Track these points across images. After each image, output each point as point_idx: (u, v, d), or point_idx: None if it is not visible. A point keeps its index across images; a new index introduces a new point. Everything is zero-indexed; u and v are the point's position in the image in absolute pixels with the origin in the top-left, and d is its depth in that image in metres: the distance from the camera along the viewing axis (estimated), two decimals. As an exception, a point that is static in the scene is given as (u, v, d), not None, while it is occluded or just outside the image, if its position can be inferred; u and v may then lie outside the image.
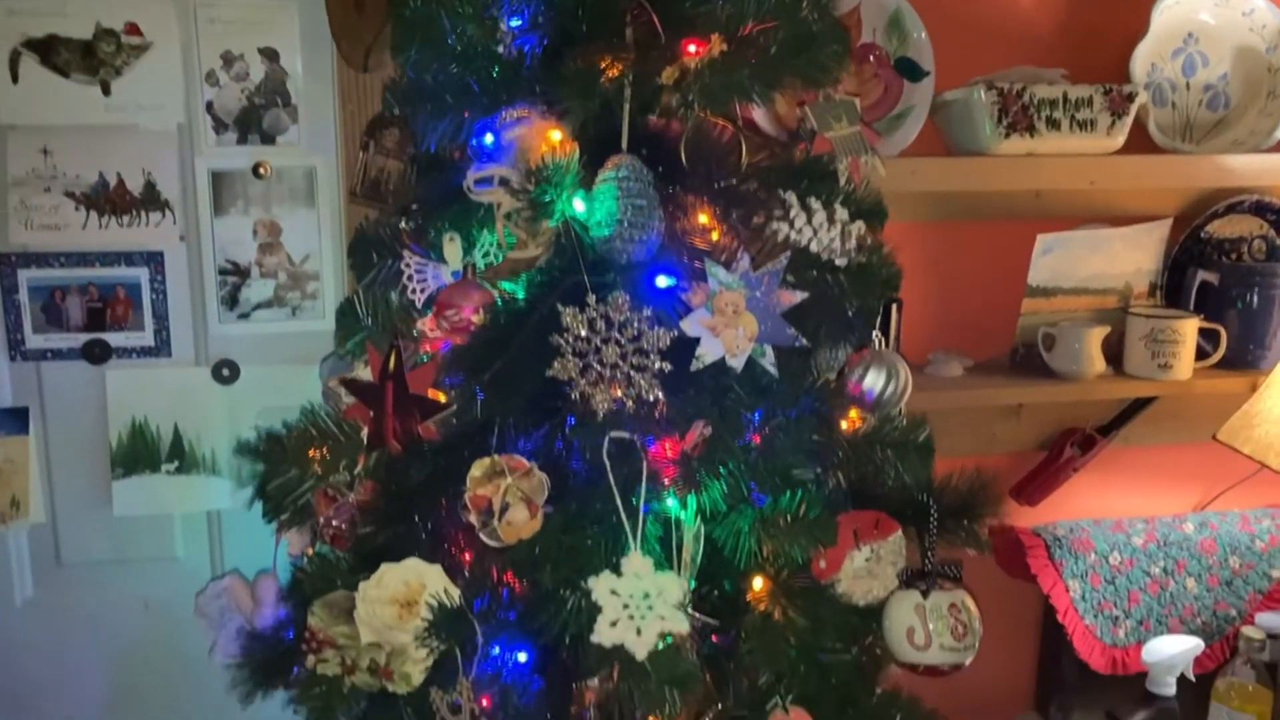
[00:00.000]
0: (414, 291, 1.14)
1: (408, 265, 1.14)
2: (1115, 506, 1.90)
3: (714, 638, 1.18)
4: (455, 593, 1.00)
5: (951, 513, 1.13)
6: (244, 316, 1.69)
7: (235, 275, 1.68)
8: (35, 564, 1.73)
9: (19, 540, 1.72)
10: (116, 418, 1.68)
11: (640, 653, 0.96)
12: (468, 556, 1.10)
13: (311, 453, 1.14)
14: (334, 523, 1.09)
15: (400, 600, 1.00)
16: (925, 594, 1.09)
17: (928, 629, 1.08)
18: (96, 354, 1.65)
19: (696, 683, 1.05)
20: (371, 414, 1.07)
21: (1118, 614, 1.78)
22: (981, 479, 1.15)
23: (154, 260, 1.66)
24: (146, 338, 1.67)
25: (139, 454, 1.69)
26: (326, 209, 1.68)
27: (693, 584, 1.07)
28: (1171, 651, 1.66)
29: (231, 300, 1.68)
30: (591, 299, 0.97)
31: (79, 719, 1.78)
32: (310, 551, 1.15)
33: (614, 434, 0.98)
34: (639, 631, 0.96)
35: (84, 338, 1.66)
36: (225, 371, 1.70)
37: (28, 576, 1.74)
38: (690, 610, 1.00)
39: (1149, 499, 1.92)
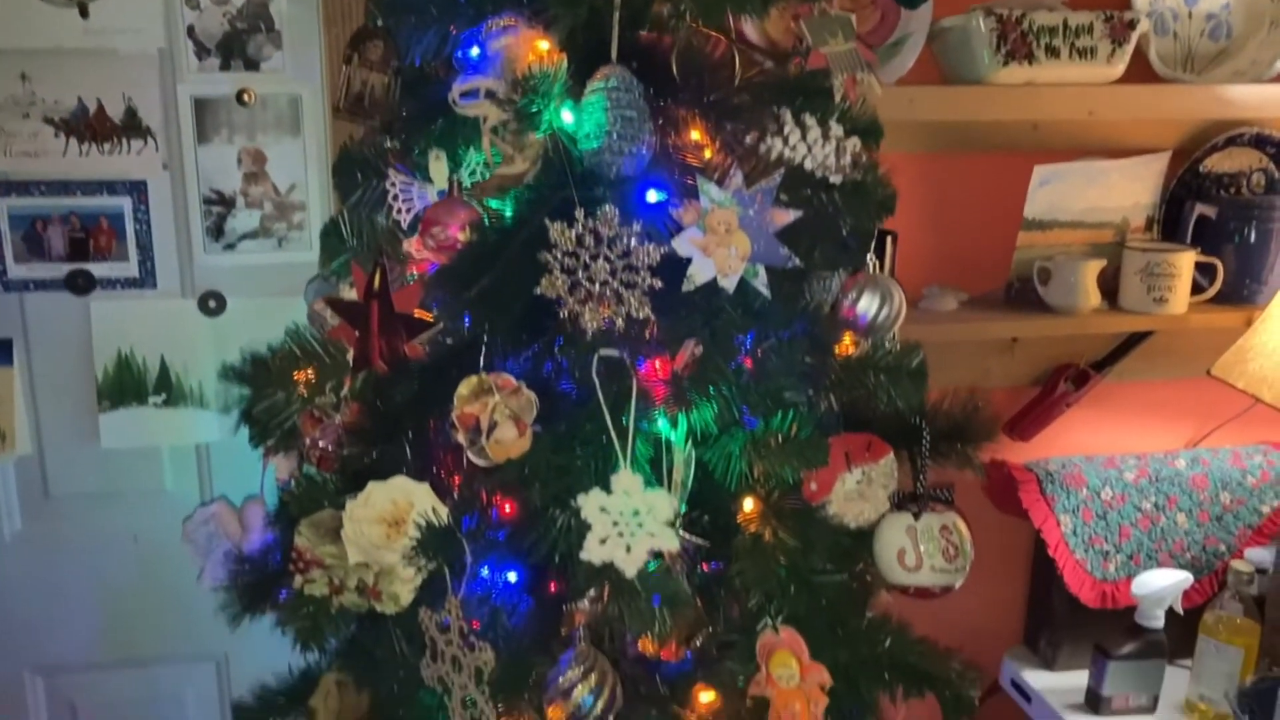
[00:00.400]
0: (399, 212, 1.12)
1: (393, 185, 1.12)
2: (1108, 443, 1.90)
3: (703, 566, 1.18)
4: (443, 511, 0.99)
5: (944, 436, 1.13)
6: (230, 248, 1.67)
7: (220, 205, 1.65)
8: (23, 497, 1.72)
9: (6, 473, 1.71)
10: (102, 350, 1.66)
11: (630, 570, 0.96)
12: (456, 480, 1.09)
13: (297, 375, 1.12)
14: (320, 444, 1.08)
15: (388, 519, 0.99)
16: (916, 516, 1.09)
17: (919, 550, 1.07)
18: (80, 285, 1.63)
19: (686, 604, 1.04)
20: (357, 334, 1.06)
21: (1108, 549, 1.78)
22: (974, 402, 1.14)
23: (137, 189, 1.63)
24: (131, 269, 1.65)
25: (125, 386, 1.68)
26: (312, 138, 1.65)
27: (683, 508, 1.06)
28: (1161, 585, 1.66)
29: (217, 231, 1.66)
30: (580, 213, 0.95)
31: (70, 651, 1.78)
32: (297, 476, 1.14)
33: (603, 352, 0.96)
34: (629, 549, 0.95)
35: (67, 268, 1.63)
36: (212, 303, 1.68)
37: (15, 509, 1.72)
38: (680, 530, 0.99)
39: (1142, 435, 1.92)
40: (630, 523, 0.95)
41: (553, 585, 1.11)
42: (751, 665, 1.12)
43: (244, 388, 1.17)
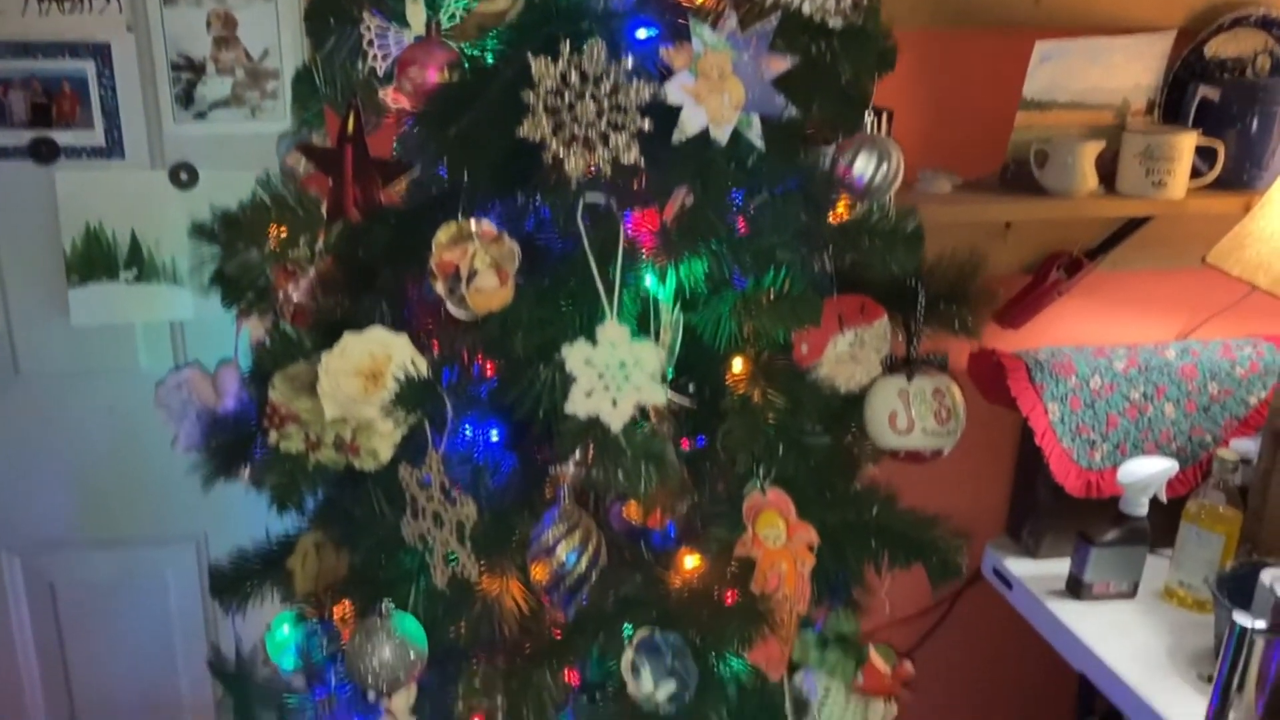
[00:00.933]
0: (375, 59, 1.06)
1: (368, 29, 1.06)
2: (1099, 334, 1.88)
3: (685, 444, 1.16)
4: (423, 363, 0.96)
5: (940, 298, 1.09)
6: (200, 116, 1.60)
7: (189, 71, 1.58)
8: (-7, 374, 1.69)
9: (-27, 349, 1.67)
10: (69, 222, 1.61)
11: (616, 424, 0.93)
12: (436, 345, 1.06)
13: (270, 230, 1.07)
14: (294, 298, 1.04)
15: (365, 372, 0.96)
16: (909, 378, 1.06)
17: (910, 413, 1.05)
18: (43, 153, 1.57)
19: (671, 464, 1.02)
20: (330, 181, 1.01)
21: (1095, 438, 1.77)
22: (973, 262, 1.10)
23: (100, 52, 1.55)
24: (96, 137, 1.58)
25: (95, 261, 1.62)
26: (285, 1, 1.57)
27: (670, 374, 1.03)
28: (1146, 472, 1.66)
29: (186, 99, 1.59)
30: (565, 47, 0.90)
31: (47, 530, 1.76)
32: (272, 335, 1.10)
33: (589, 197, 0.92)
34: (614, 403, 0.93)
35: (29, 135, 1.56)
36: (183, 175, 1.62)
37: (-15, 386, 1.69)
38: (667, 386, 0.96)
39: (1133, 327, 1.90)
40: (616, 375, 0.92)
41: (537, 450, 1.09)
42: (738, 532, 1.10)
43: (215, 245, 1.12)
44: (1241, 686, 1.40)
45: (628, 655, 1.01)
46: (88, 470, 1.74)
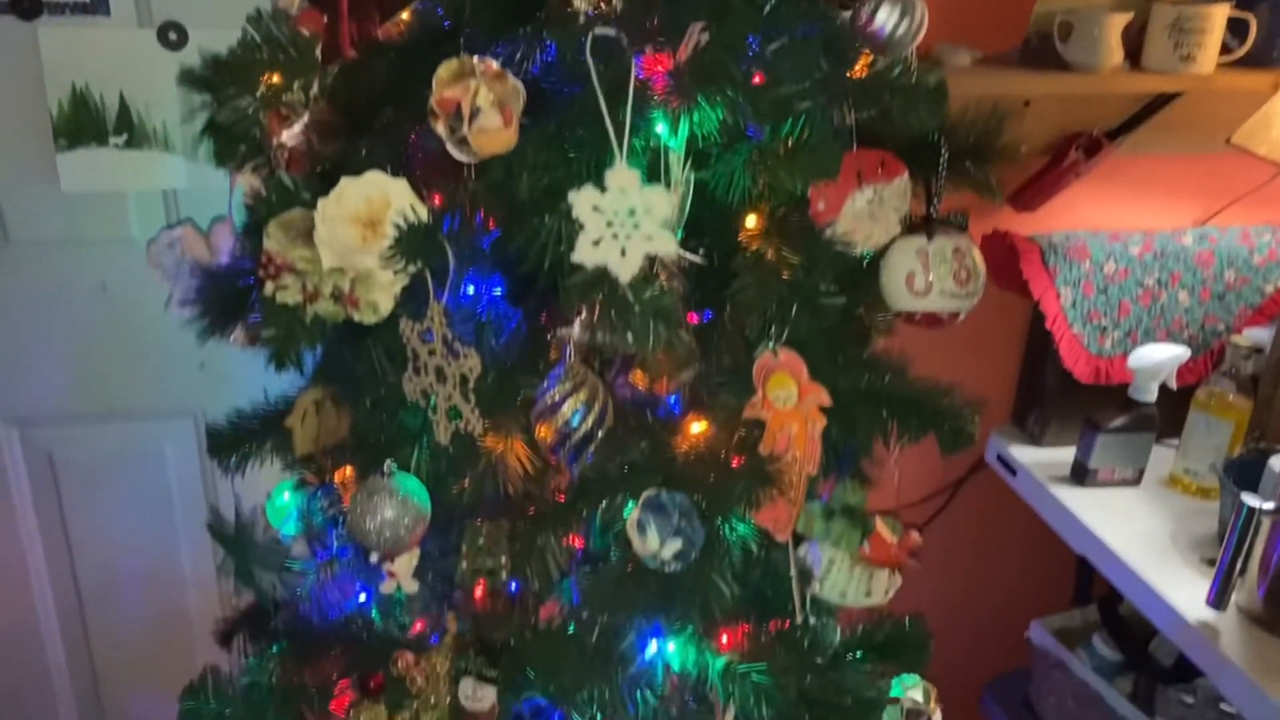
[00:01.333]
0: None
1: None
2: (1115, 220, 1.83)
3: (691, 318, 1.13)
4: (422, 209, 0.92)
5: (963, 154, 1.05)
6: (189, -29, 1.53)
7: (176, -78, 1.50)
8: (-19, 241, 1.64)
9: (-39, 216, 1.62)
10: (55, 83, 1.54)
11: (624, 276, 0.89)
12: (438, 197, 1.02)
13: (263, 76, 1.02)
14: (288, 145, 0.99)
15: (362, 219, 0.92)
16: (929, 238, 1.02)
17: (929, 274, 1.01)
18: (25, 7, 1.50)
19: (681, 324, 0.99)
20: (325, 19, 0.96)
21: (1106, 324, 1.74)
22: (999, 115, 1.05)
23: (78, -104, 1.47)
24: (79, -10, 1.51)
25: (83, 124, 1.57)
26: None
27: (680, 234, 0.99)
28: (1158, 358, 1.64)
29: (173, -48, 1.51)
30: None
31: (44, 402, 1.74)
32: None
33: (598, 31, 0.87)
34: (624, 252, 0.89)
35: (9, -13, 1.49)
36: (172, 35, 1.55)
37: (-27, 254, 1.65)
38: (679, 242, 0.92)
39: (1150, 213, 1.85)
40: (625, 223, 0.88)
41: (541, 311, 1.06)
42: (747, 397, 1.08)
43: (205, 92, 1.07)
44: (1244, 570, 1.40)
45: (634, 514, 1.00)
46: (83, 344, 1.71)
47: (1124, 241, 1.74)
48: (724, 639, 1.10)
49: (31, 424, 1.76)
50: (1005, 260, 1.75)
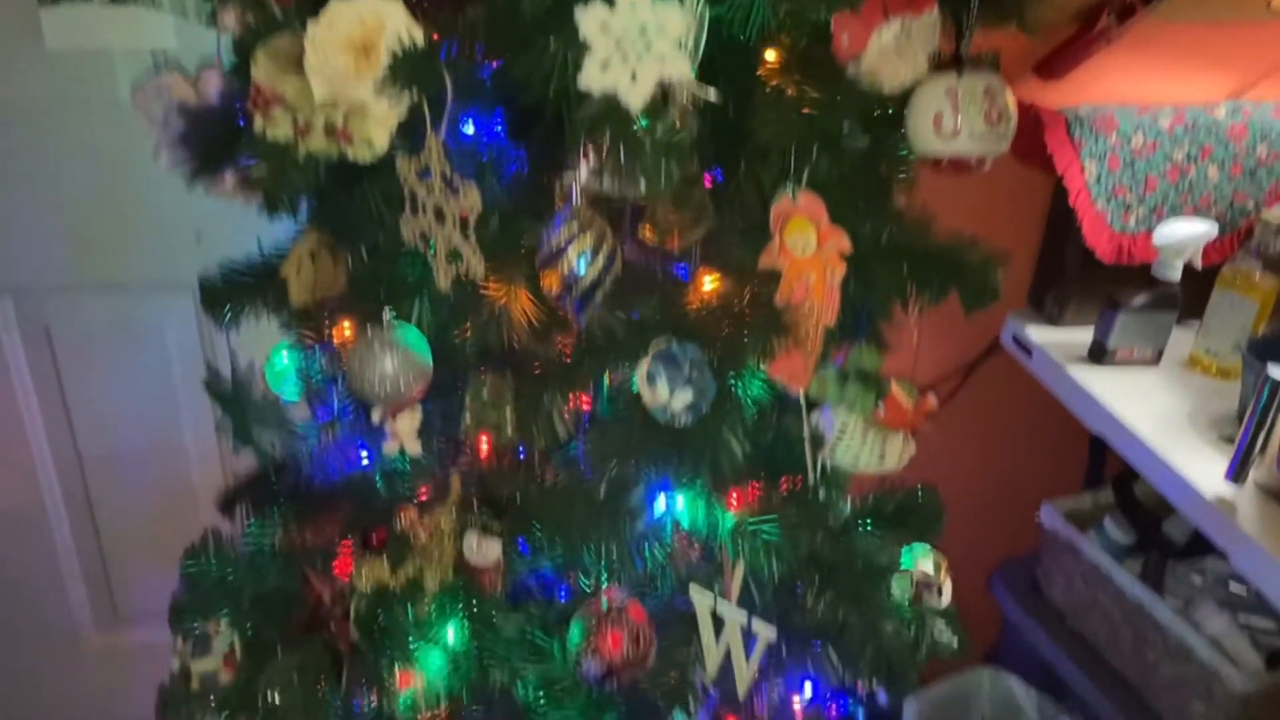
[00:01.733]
0: None
1: None
2: (1146, 92, 1.75)
3: (708, 182, 1.08)
4: (419, 33, 0.86)
5: (995, -14, 0.98)
6: None
7: None
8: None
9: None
10: (33, -70, 1.47)
11: (635, 102, 0.84)
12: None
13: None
14: (277, -31, 0.93)
15: (355, 45, 0.86)
16: (959, 75, 0.96)
17: (957, 115, 0.96)
18: None
19: (694, 172, 0.93)
20: None
21: (1131, 201, 1.68)
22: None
23: None
24: None
25: (65, -23, 1.49)
26: None
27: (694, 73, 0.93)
28: (1184, 234, 1.58)
29: None
30: None
31: (38, 271, 1.70)
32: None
33: None
34: (634, 76, 0.83)
35: None
36: (155, -120, 1.46)
37: (-48, 118, 1.59)
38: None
39: (1182, 85, 1.77)
40: (636, 43, 0.82)
41: (546, 152, 1.00)
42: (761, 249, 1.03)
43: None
44: (1265, 447, 1.37)
45: (644, 364, 0.96)
46: (75, 212, 1.66)
47: (1153, 114, 1.67)
48: (734, 499, 1.07)
49: (26, 294, 1.72)
50: (1029, 132, 1.67)
